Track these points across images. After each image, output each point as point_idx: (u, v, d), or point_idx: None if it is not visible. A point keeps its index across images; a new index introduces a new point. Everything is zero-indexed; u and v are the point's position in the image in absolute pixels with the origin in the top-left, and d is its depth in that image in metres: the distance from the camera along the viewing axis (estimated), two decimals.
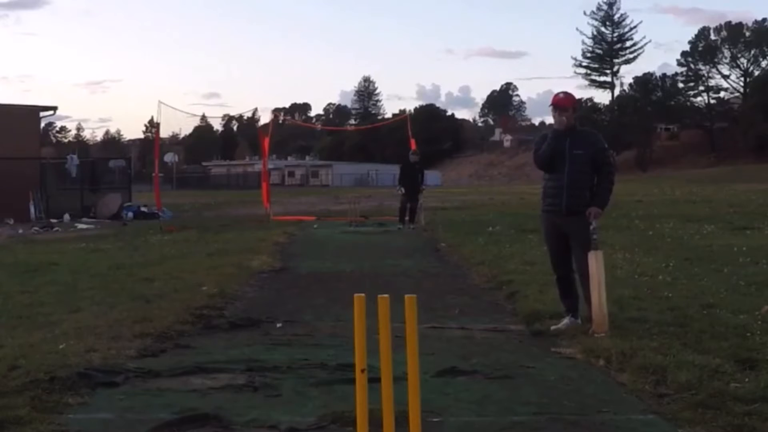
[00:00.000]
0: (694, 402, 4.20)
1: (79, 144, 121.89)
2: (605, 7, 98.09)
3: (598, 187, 6.26)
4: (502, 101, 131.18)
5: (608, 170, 6.33)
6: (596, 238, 6.08)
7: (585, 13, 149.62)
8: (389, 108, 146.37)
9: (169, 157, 73.03)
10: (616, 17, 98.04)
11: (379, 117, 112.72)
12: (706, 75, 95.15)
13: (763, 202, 24.84)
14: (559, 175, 6.25)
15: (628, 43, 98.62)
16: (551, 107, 6.32)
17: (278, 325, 6.75)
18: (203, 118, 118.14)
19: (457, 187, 63.32)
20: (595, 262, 6.00)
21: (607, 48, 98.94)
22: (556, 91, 6.39)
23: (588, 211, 6.12)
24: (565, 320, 6.31)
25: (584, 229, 6.11)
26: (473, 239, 13.88)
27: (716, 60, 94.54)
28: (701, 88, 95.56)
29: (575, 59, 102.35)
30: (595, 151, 6.26)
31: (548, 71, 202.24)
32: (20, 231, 19.26)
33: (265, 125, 35.84)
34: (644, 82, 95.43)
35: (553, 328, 6.25)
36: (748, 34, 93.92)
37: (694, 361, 4.90)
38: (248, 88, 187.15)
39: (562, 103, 6.31)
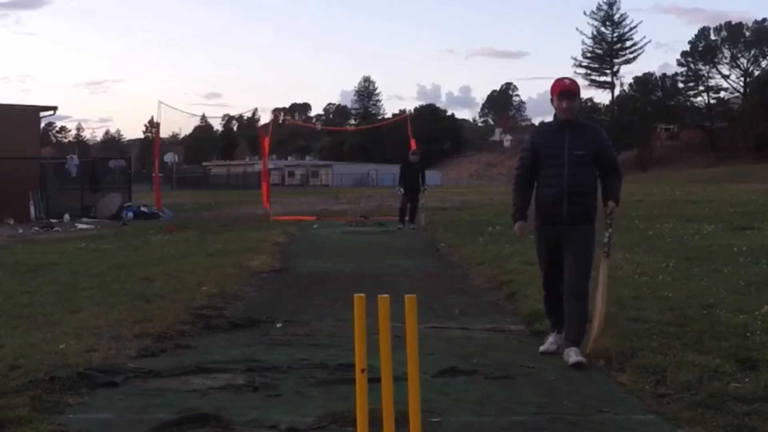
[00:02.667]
0: (694, 402, 4.20)
1: (79, 144, 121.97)
2: (605, 7, 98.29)
3: (609, 182, 5.46)
4: (502, 101, 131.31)
5: (616, 168, 5.54)
6: (612, 243, 5.45)
7: (585, 13, 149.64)
8: (389, 108, 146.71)
9: (169, 157, 73.01)
10: (616, 17, 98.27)
11: (379, 117, 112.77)
12: (706, 75, 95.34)
13: (763, 202, 24.85)
14: (555, 180, 5.36)
15: (628, 43, 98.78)
16: (556, 96, 5.43)
17: (278, 325, 6.75)
18: (203, 118, 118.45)
19: (457, 187, 63.31)
20: (602, 271, 5.42)
21: (607, 48, 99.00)
22: None
23: (610, 209, 5.37)
24: (550, 338, 5.67)
25: (588, 241, 5.38)
26: (473, 239, 13.88)
27: (716, 60, 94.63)
28: (701, 88, 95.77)
29: (575, 59, 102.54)
30: (599, 149, 5.42)
31: (548, 71, 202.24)
32: (20, 231, 19.25)
33: (265, 125, 35.81)
34: (644, 82, 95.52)
35: (542, 349, 5.60)
36: (748, 34, 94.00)
37: (694, 361, 4.91)
38: (248, 88, 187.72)
39: (573, 88, 5.49)
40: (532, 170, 5.53)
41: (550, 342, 5.62)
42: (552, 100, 5.48)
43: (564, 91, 5.42)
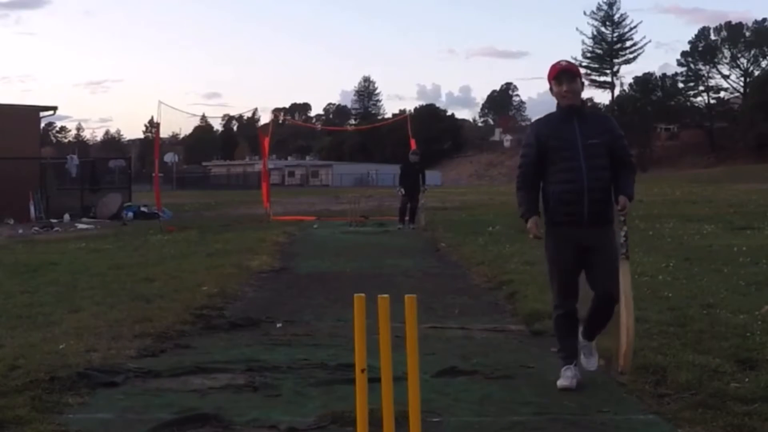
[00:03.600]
0: (694, 402, 4.20)
1: (79, 144, 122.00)
2: (605, 7, 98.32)
3: (623, 175, 4.79)
4: (502, 101, 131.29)
5: (630, 161, 4.92)
6: (627, 243, 4.83)
7: (585, 13, 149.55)
8: (389, 108, 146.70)
9: (169, 157, 72.98)
10: (616, 17, 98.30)
11: (379, 117, 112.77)
12: (706, 75, 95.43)
13: (763, 202, 24.83)
14: (572, 174, 4.67)
15: (628, 43, 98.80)
16: (553, 80, 4.80)
17: (278, 325, 6.76)
18: (203, 118, 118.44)
19: (457, 187, 63.31)
20: (623, 274, 4.77)
21: (607, 48, 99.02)
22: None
23: (622, 204, 4.68)
24: (569, 371, 4.77)
25: (614, 245, 4.76)
26: (473, 239, 13.88)
27: (716, 60, 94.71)
28: (701, 88, 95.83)
29: (575, 59, 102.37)
30: (612, 140, 4.79)
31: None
32: (20, 231, 19.26)
33: (265, 125, 35.87)
34: (644, 82, 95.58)
35: (561, 384, 4.71)
36: (748, 34, 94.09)
37: (694, 361, 4.91)
38: (248, 88, 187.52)
39: (572, 68, 4.84)
40: (537, 167, 4.83)
41: (569, 377, 4.73)
42: (551, 88, 4.86)
43: (561, 71, 4.78)
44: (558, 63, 4.89)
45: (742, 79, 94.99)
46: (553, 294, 4.89)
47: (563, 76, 4.77)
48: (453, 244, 13.56)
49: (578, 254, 4.74)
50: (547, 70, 4.89)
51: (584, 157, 4.67)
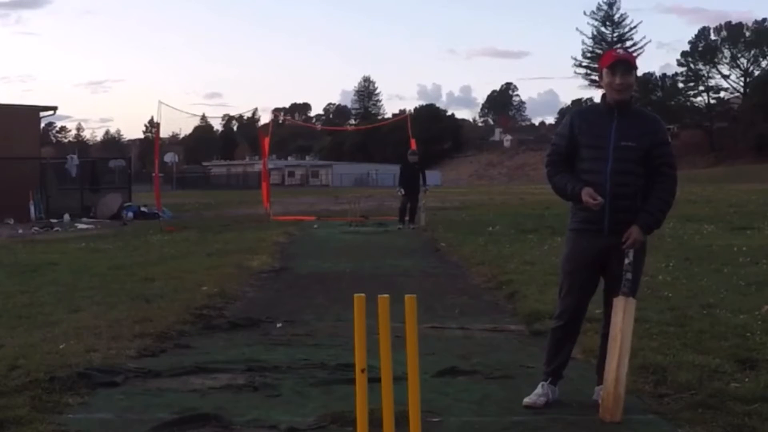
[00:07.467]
0: (694, 402, 4.20)
1: (79, 144, 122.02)
2: (605, 7, 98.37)
3: (652, 193, 4.21)
4: (502, 101, 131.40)
5: (670, 174, 4.26)
6: (632, 279, 4.20)
7: (585, 13, 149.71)
8: (390, 108, 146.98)
9: (169, 157, 72.97)
10: (616, 17, 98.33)
11: (380, 117, 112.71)
12: (706, 75, 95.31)
13: (763, 202, 24.82)
14: (594, 176, 4.20)
15: (628, 43, 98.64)
16: (607, 68, 4.29)
17: (278, 325, 6.76)
18: (203, 118, 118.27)
19: (457, 187, 63.30)
20: (623, 313, 4.16)
21: (607, 48, 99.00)
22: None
23: (627, 234, 4.15)
24: (539, 389, 4.40)
25: (638, 252, 4.23)
26: (473, 239, 13.88)
27: (716, 60, 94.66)
28: (701, 88, 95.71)
29: (575, 59, 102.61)
30: (653, 145, 4.24)
31: (549, 71, 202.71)
32: (20, 231, 19.25)
33: (265, 125, 35.85)
34: (644, 82, 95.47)
35: (527, 401, 4.34)
36: (748, 34, 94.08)
37: (694, 361, 4.91)
38: (248, 88, 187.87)
39: (630, 59, 4.36)
40: (567, 159, 4.36)
41: (538, 394, 4.37)
42: (600, 76, 4.39)
43: (618, 60, 4.27)
44: (615, 50, 4.47)
45: (742, 79, 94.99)
46: (558, 303, 4.47)
47: (619, 66, 4.27)
48: (453, 244, 13.56)
49: (595, 267, 4.31)
50: (601, 57, 4.47)
51: (612, 159, 4.19)
